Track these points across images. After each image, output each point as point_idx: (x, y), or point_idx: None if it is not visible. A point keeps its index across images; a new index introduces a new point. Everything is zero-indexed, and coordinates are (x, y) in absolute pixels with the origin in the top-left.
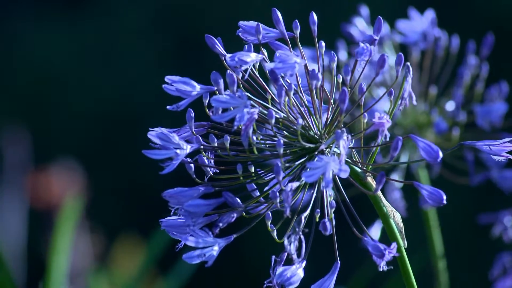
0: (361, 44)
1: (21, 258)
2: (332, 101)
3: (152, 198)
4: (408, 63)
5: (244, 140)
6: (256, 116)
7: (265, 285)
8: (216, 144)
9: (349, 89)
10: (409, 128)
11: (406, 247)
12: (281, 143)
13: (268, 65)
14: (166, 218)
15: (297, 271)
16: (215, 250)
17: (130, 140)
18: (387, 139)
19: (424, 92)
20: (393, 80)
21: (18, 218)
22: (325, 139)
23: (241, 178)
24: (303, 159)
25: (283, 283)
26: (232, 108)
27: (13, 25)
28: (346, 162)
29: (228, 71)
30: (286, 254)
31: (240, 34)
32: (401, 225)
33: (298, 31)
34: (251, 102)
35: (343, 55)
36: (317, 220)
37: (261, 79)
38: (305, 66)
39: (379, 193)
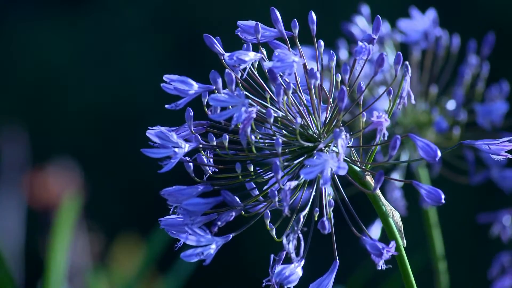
0: (360, 43)
1: (19, 257)
2: (331, 100)
3: (151, 197)
4: (407, 62)
5: (243, 139)
6: (254, 115)
7: (264, 284)
8: (215, 143)
9: (348, 88)
10: (409, 127)
11: (405, 246)
12: (279, 142)
13: (267, 64)
14: (165, 217)
15: (296, 269)
16: (213, 248)
17: (130, 139)
18: (386, 138)
19: (425, 91)
20: (392, 79)
21: (16, 217)
22: (324, 138)
23: (240, 177)
24: (302, 158)
25: (281, 282)
26: (230, 107)
27: (12, 25)
28: (345, 161)
29: (227, 70)
30: (285, 252)
31: (239, 33)
32: (400, 224)
33: (297, 30)
34: (250, 101)
35: (344, 54)
36: (316, 219)
37: (260, 78)
38: (304, 65)
39: (378, 192)
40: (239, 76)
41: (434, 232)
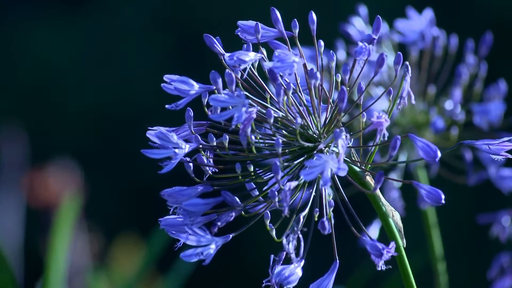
0: (360, 44)
1: (19, 257)
2: (331, 101)
3: (151, 197)
4: (407, 63)
5: (243, 139)
6: (254, 115)
7: (263, 284)
8: (215, 143)
9: (348, 88)
10: (407, 127)
11: (405, 246)
12: (279, 142)
13: (267, 64)
14: (165, 217)
15: (296, 270)
16: (213, 248)
17: (130, 139)
18: (386, 139)
19: (423, 92)
20: (392, 80)
21: (16, 217)
22: (324, 139)
23: (240, 177)
24: (302, 158)
25: (281, 282)
26: (230, 107)
27: (12, 25)
28: (345, 161)
29: (227, 70)
30: (284, 253)
31: (239, 33)
32: (400, 224)
33: (297, 31)
34: (250, 101)
35: (342, 55)
36: (316, 219)
37: (260, 79)
38: (304, 65)
39: (378, 192)
40: (239, 76)
41: (434, 233)
